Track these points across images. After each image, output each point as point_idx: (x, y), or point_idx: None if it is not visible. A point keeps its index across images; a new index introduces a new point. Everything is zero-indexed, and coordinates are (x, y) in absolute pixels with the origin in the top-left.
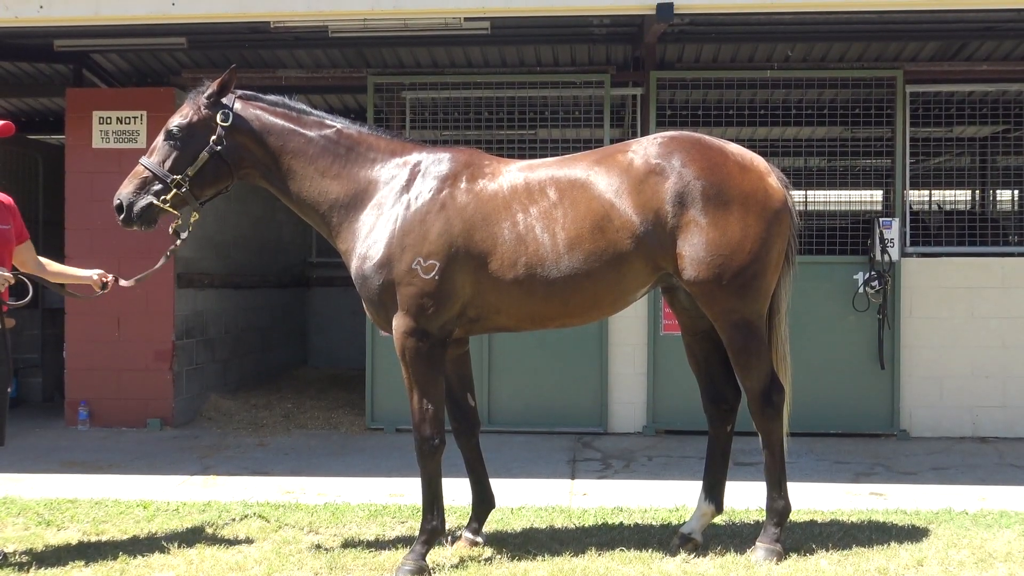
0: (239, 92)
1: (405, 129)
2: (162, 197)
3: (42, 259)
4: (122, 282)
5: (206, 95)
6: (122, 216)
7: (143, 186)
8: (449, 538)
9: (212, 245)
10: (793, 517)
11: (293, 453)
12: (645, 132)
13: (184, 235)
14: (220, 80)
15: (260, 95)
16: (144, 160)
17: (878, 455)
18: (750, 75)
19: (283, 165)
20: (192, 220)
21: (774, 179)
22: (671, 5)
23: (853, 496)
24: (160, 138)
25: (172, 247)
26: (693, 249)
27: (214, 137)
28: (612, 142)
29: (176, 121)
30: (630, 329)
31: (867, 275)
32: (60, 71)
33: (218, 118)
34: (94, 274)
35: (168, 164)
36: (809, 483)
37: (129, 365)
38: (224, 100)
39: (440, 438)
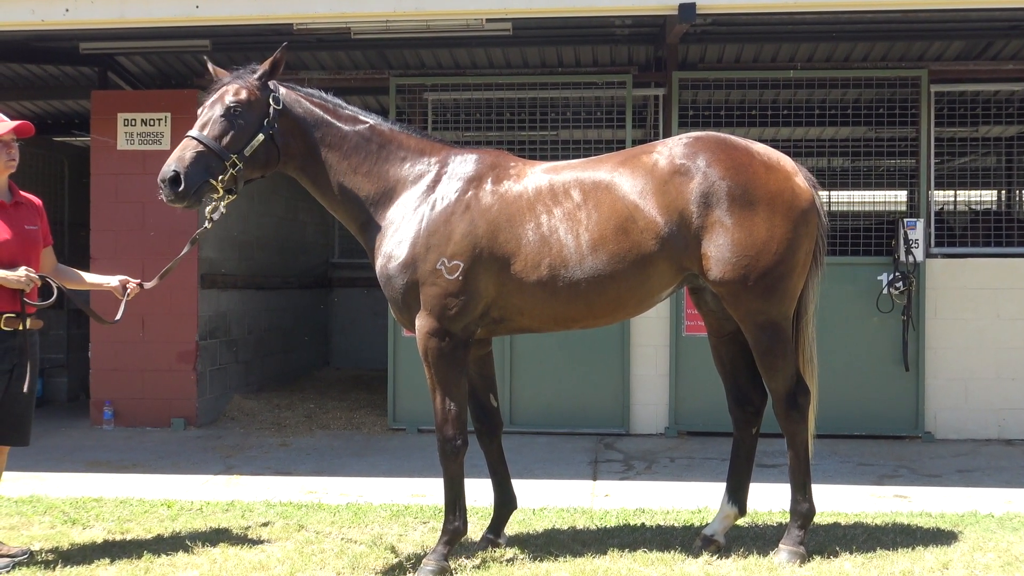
0: (281, 81)
1: (427, 130)
2: (220, 176)
3: (62, 266)
4: (147, 284)
5: (257, 75)
6: (179, 189)
7: (200, 160)
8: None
9: (235, 246)
10: (817, 519)
11: (315, 453)
12: (667, 133)
13: (216, 216)
14: (272, 59)
15: (298, 87)
16: (196, 133)
17: (903, 457)
18: (773, 75)
19: (320, 157)
20: (224, 204)
21: (801, 179)
22: (693, 5)
23: (877, 498)
24: (215, 112)
25: (199, 231)
26: (719, 250)
27: (268, 119)
28: (634, 143)
29: (233, 97)
30: (652, 330)
31: (891, 276)
32: (85, 74)
33: (271, 100)
34: (115, 280)
35: (226, 140)
36: (833, 485)
37: (153, 365)
38: (271, 85)
39: (463, 439)
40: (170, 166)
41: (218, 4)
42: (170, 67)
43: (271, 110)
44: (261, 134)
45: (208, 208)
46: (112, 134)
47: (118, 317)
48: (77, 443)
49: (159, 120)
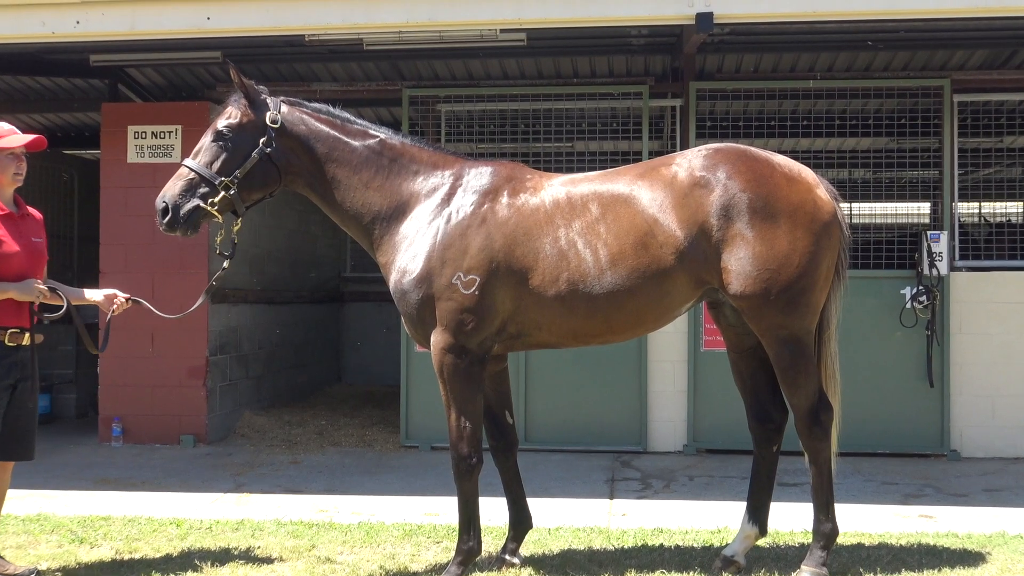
0: (283, 97)
1: (441, 142)
2: (210, 200)
3: (51, 282)
4: (164, 315)
5: (246, 97)
6: (167, 219)
7: (189, 188)
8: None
9: (246, 259)
10: (840, 540)
11: (327, 471)
12: (685, 144)
13: (227, 262)
14: (239, 85)
15: (303, 101)
16: (189, 162)
17: (928, 476)
18: (792, 85)
19: (328, 173)
20: (235, 236)
21: (823, 191)
22: (711, 15)
23: (902, 518)
24: (207, 139)
25: (218, 273)
26: (739, 263)
27: (264, 139)
28: (651, 155)
29: (224, 121)
30: (670, 345)
31: (915, 290)
32: (95, 86)
33: (267, 119)
34: (100, 295)
35: (216, 165)
36: (856, 504)
37: (163, 381)
38: (270, 102)
39: (477, 457)
40: (160, 197)
41: (229, 15)
42: (181, 79)
43: (268, 130)
44: (255, 155)
45: (219, 242)
46: (122, 147)
47: (101, 347)
48: (85, 460)
49: (170, 133)
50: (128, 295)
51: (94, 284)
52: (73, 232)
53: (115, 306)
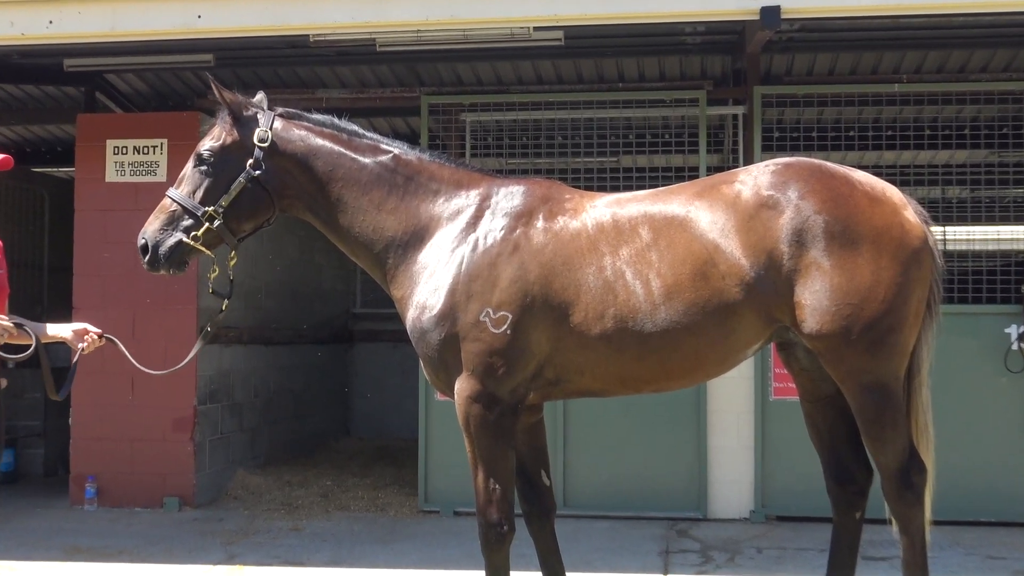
0: (280, 110)
1: (465, 157)
2: (193, 233)
3: (16, 317)
4: (146, 369)
5: (231, 114)
6: (147, 258)
7: (171, 222)
8: None
9: (240, 293)
10: None
11: (333, 539)
12: (749, 158)
13: (225, 303)
14: (221, 100)
15: (304, 113)
16: (171, 192)
17: None
18: (874, 89)
19: (331, 194)
20: (231, 272)
21: (911, 213)
22: (778, 8)
23: None
24: (189, 165)
25: (213, 320)
26: (815, 297)
27: (251, 161)
28: (710, 170)
29: (207, 144)
30: (734, 393)
31: (1021, 328)
32: (70, 94)
33: (256, 138)
34: (69, 331)
35: (199, 194)
36: None
37: (144, 434)
38: (261, 118)
39: (509, 524)
40: (140, 233)
41: (223, 13)
42: (167, 86)
43: (256, 150)
44: (242, 179)
45: (212, 279)
46: (100, 163)
47: (61, 392)
48: (54, 525)
49: (154, 147)
50: (100, 331)
51: (67, 320)
52: (43, 261)
53: (85, 343)
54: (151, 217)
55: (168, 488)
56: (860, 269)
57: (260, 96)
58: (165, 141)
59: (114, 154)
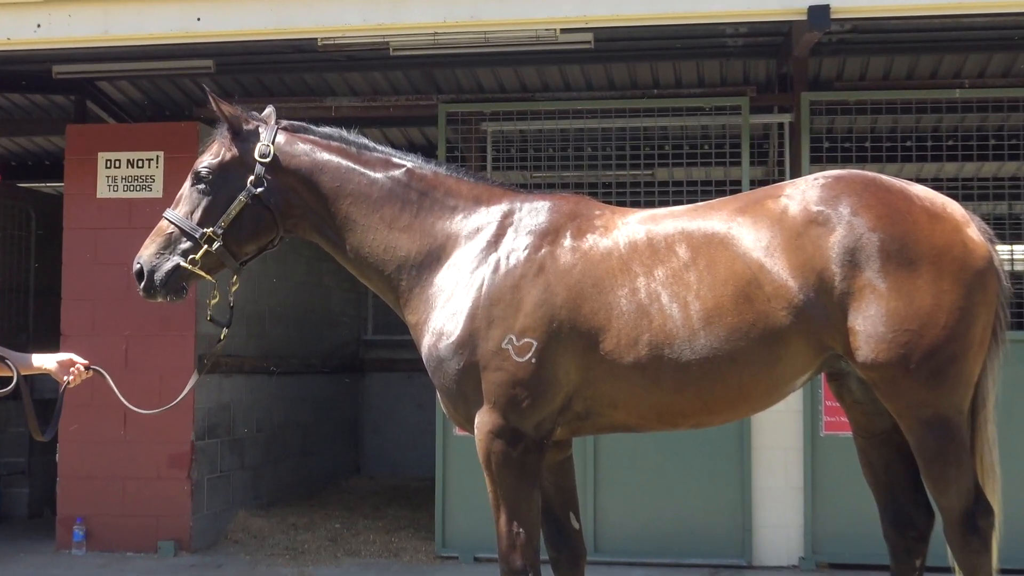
0: (283, 122)
1: (486, 170)
2: (191, 257)
3: None
4: (136, 408)
5: (229, 128)
6: (143, 284)
7: (168, 245)
8: None
9: (242, 318)
10: None
11: None
12: (796, 171)
13: (224, 332)
14: (219, 113)
15: (310, 126)
16: (168, 213)
17: None
18: (933, 95)
19: (340, 212)
20: (231, 298)
21: (974, 230)
22: (827, 8)
23: None
24: (186, 184)
25: (211, 351)
26: (870, 323)
27: (252, 178)
28: (753, 184)
29: (204, 161)
30: (780, 428)
31: None
32: (59, 103)
33: (256, 154)
34: (53, 362)
35: (197, 215)
36: None
37: (137, 473)
38: (263, 132)
39: (534, 571)
40: (136, 258)
41: (224, 16)
42: (163, 94)
43: (257, 166)
44: (242, 198)
45: (212, 305)
46: (91, 178)
47: (47, 434)
48: (40, 572)
49: (149, 160)
50: (87, 363)
51: (54, 348)
52: (28, 284)
53: (71, 376)
54: (147, 240)
55: (163, 531)
56: (919, 292)
57: (269, 110)
58: (161, 154)
59: (106, 168)
